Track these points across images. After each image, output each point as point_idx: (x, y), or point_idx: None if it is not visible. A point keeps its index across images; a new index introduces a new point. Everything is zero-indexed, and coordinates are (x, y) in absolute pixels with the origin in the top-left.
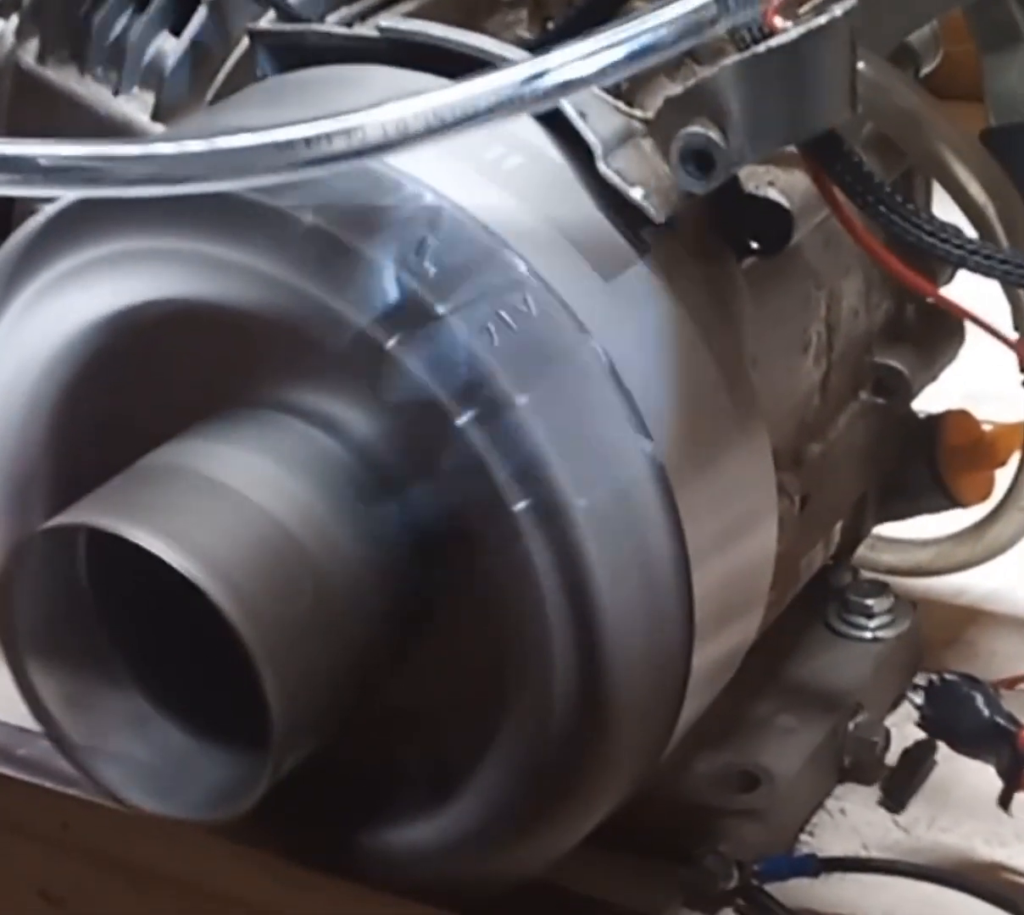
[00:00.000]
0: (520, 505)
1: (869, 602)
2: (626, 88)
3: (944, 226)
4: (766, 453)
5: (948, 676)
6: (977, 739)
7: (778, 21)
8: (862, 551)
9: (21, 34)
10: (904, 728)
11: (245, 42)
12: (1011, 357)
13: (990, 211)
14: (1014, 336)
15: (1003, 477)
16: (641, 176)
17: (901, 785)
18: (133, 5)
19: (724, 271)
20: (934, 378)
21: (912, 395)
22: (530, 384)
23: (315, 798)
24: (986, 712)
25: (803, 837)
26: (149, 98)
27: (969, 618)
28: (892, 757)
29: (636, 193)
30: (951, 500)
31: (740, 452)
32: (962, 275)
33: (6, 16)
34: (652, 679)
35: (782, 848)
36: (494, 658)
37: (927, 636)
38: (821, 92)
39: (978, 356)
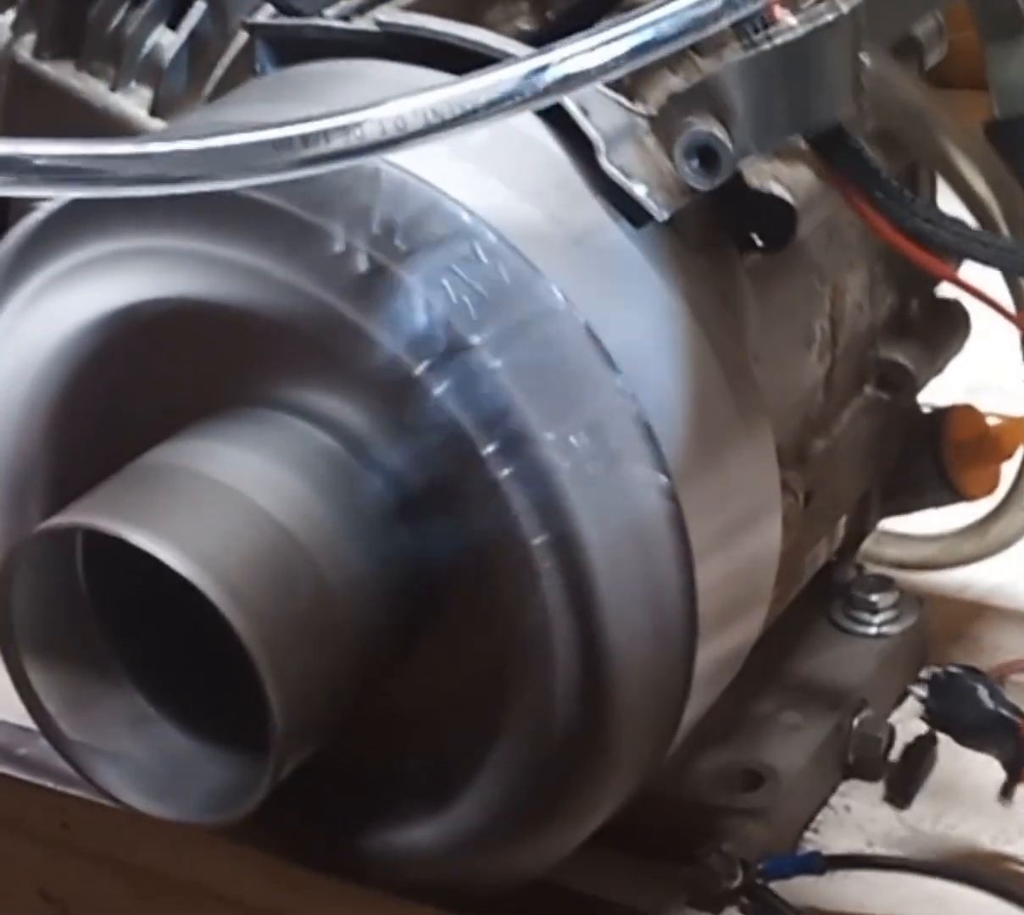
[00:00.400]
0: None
1: (873, 598)
2: (628, 82)
3: (946, 217)
4: (770, 449)
5: (951, 669)
6: (981, 731)
7: (781, 14)
8: (867, 545)
9: (18, 29)
10: (909, 724)
11: (243, 36)
12: (1014, 350)
13: (993, 205)
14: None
15: (1009, 470)
16: (644, 172)
17: (905, 780)
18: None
19: (727, 267)
20: (939, 372)
21: (917, 390)
22: (555, 418)
23: (316, 799)
24: (990, 704)
25: (807, 835)
26: (146, 93)
27: (974, 613)
28: (897, 754)
29: (639, 189)
30: (956, 494)
31: (744, 449)
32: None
33: (3, 11)
34: (655, 677)
35: (786, 846)
36: (496, 657)
37: (931, 631)
38: (826, 87)
39: (981, 349)
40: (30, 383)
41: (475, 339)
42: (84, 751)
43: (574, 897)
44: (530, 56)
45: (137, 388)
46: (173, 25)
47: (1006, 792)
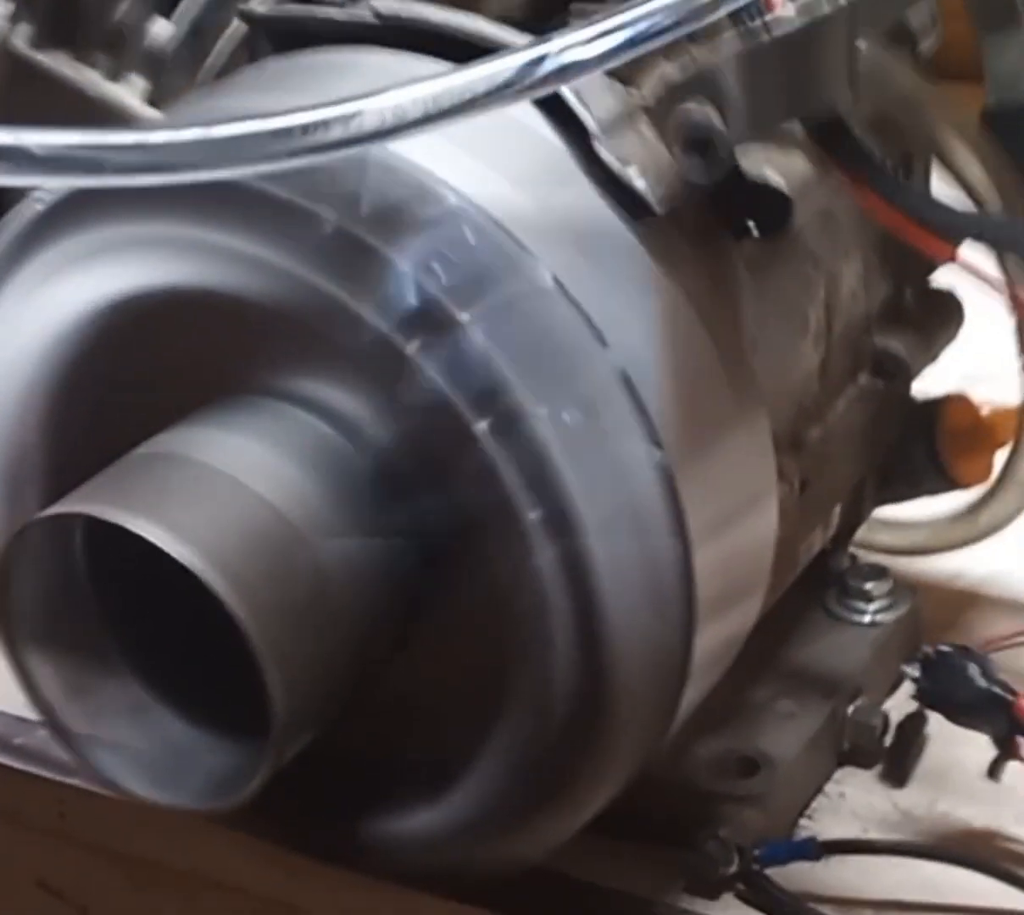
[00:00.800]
0: (531, 513)
1: (868, 586)
2: (624, 69)
3: (940, 202)
4: (766, 437)
5: (943, 648)
6: (973, 709)
7: (778, 1)
8: (859, 531)
9: (14, 19)
10: (903, 711)
11: (238, 24)
12: (1007, 339)
13: (990, 192)
14: (1012, 320)
15: (1002, 457)
16: (640, 160)
17: (899, 759)
18: None
19: (722, 254)
20: (933, 360)
21: (911, 378)
22: (547, 394)
23: (315, 786)
24: (982, 682)
25: (803, 821)
26: (142, 82)
27: (967, 601)
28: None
29: (635, 178)
30: (951, 482)
31: (740, 436)
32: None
33: None
34: (653, 664)
35: (782, 832)
36: (493, 643)
37: (925, 619)
38: (822, 76)
39: (975, 337)
40: (27, 372)
41: (465, 317)
42: (83, 739)
43: (571, 883)
44: (528, 46)
45: (133, 377)
46: (167, 14)
47: (994, 769)
